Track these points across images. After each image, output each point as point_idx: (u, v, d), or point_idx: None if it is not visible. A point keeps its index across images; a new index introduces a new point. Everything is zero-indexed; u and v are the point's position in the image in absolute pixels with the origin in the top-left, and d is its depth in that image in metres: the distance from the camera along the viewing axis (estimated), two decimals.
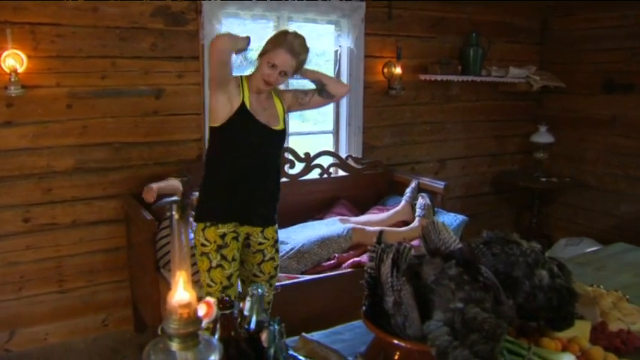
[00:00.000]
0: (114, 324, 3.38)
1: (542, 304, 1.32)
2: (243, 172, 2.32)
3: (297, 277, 2.98)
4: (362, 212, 3.83)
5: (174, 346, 0.93)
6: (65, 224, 3.12)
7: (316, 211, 3.82)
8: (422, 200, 3.67)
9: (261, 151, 2.34)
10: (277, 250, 2.50)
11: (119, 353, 3.16)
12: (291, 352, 1.40)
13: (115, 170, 3.22)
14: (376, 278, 1.35)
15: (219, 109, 2.26)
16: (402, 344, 1.26)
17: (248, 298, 1.17)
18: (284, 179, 3.76)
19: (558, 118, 4.73)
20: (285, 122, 2.44)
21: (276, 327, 1.11)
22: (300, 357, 1.37)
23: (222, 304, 1.08)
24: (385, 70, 4.11)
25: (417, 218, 3.59)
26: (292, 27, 3.63)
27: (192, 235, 2.40)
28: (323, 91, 2.45)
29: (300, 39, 2.28)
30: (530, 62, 4.69)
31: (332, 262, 3.18)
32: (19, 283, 3.05)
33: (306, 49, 2.32)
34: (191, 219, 2.39)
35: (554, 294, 1.32)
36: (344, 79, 4.01)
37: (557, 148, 4.72)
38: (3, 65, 2.81)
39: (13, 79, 2.81)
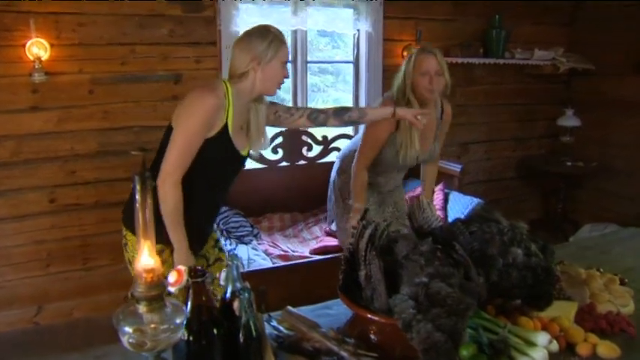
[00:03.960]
0: None
1: (517, 281, 1.34)
2: (207, 204, 2.01)
3: (309, 257, 3.06)
4: None
5: (141, 308, 1.00)
6: (89, 204, 3.24)
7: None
8: None
9: (228, 184, 2.04)
10: (221, 249, 2.19)
11: None
12: (273, 323, 1.46)
13: None
14: (354, 254, 1.40)
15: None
16: (375, 318, 1.30)
17: (224, 269, 1.23)
18: (301, 162, 3.83)
19: (586, 101, 4.60)
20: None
21: (247, 295, 1.16)
22: (281, 327, 1.43)
23: (193, 272, 1.14)
24: (405, 54, 4.08)
25: None
26: (310, 11, 3.66)
27: None
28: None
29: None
30: (558, 44, 4.56)
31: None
32: (46, 260, 3.20)
33: None
34: None
35: (529, 272, 1.34)
36: (362, 63, 4.02)
37: (585, 131, 4.58)
38: (28, 53, 2.92)
39: (37, 67, 2.93)
